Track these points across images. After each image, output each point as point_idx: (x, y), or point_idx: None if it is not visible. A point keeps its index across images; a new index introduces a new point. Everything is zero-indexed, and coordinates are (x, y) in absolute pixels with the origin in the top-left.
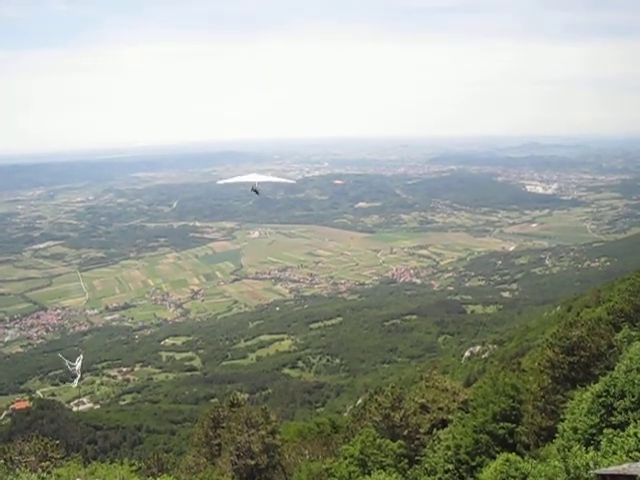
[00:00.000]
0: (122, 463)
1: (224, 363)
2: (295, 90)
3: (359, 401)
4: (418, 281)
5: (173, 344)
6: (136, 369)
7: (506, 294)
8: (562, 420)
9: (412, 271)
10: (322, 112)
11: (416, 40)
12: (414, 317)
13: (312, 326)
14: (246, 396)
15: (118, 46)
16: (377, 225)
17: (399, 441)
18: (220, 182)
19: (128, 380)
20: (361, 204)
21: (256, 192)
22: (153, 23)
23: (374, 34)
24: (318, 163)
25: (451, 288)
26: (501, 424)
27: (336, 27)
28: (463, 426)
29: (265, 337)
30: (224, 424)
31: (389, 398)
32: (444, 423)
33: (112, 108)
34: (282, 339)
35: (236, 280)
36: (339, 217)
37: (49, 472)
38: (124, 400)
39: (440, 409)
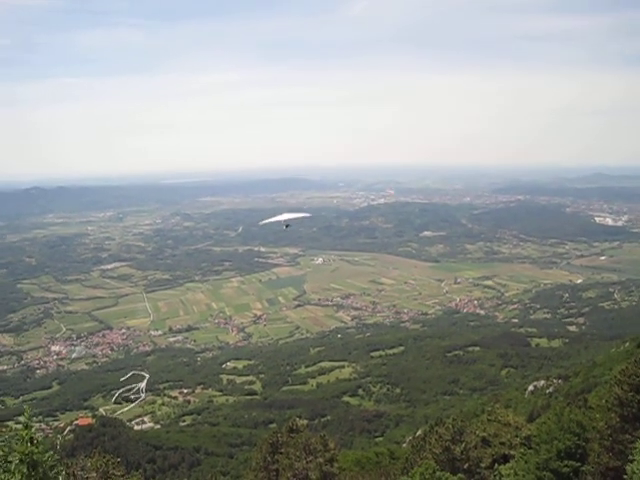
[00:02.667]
0: None
1: (284, 388)
2: (361, 118)
3: (419, 432)
4: (482, 312)
5: (234, 367)
6: (197, 391)
7: (572, 328)
8: (631, 461)
9: (476, 302)
10: (389, 140)
11: (481, 69)
12: (477, 349)
13: (373, 354)
14: (305, 422)
15: (187, 74)
16: (442, 254)
17: (459, 475)
18: (261, 223)
19: (189, 401)
20: (426, 233)
21: (287, 226)
22: (222, 52)
23: (441, 64)
24: (383, 191)
25: (516, 320)
26: (565, 462)
27: (404, 57)
28: (525, 462)
29: (326, 364)
30: (282, 450)
31: (450, 430)
32: (506, 458)
33: (180, 134)
34: (343, 366)
35: (299, 306)
36: (404, 245)
37: None
38: (184, 421)
39: (502, 444)
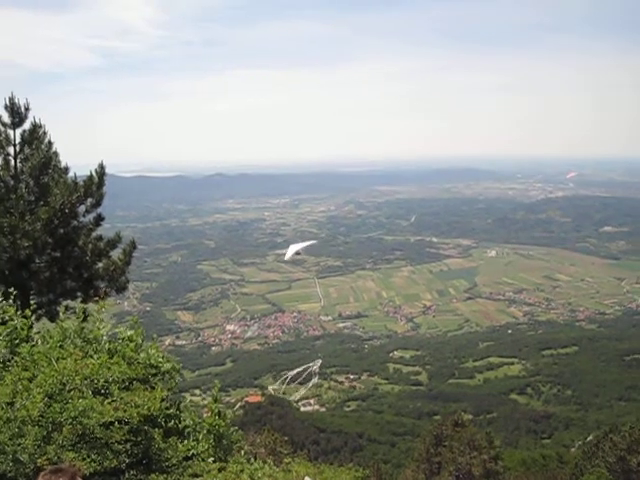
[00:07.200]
0: (349, 469)
1: (450, 381)
2: (540, 106)
3: (590, 437)
4: None
5: (401, 357)
6: (363, 377)
7: None
8: None
9: None
10: (572, 129)
11: None
12: None
13: (544, 353)
14: (470, 417)
15: (363, 64)
16: (623, 252)
17: None
18: (286, 258)
19: (354, 387)
20: (606, 228)
21: (298, 254)
22: (392, 40)
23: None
24: (562, 183)
25: None
26: None
27: (598, 42)
28: None
29: (494, 359)
30: (446, 443)
31: (626, 439)
32: None
33: (357, 122)
34: (512, 363)
35: (469, 299)
36: (581, 241)
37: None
38: (348, 406)
39: None
